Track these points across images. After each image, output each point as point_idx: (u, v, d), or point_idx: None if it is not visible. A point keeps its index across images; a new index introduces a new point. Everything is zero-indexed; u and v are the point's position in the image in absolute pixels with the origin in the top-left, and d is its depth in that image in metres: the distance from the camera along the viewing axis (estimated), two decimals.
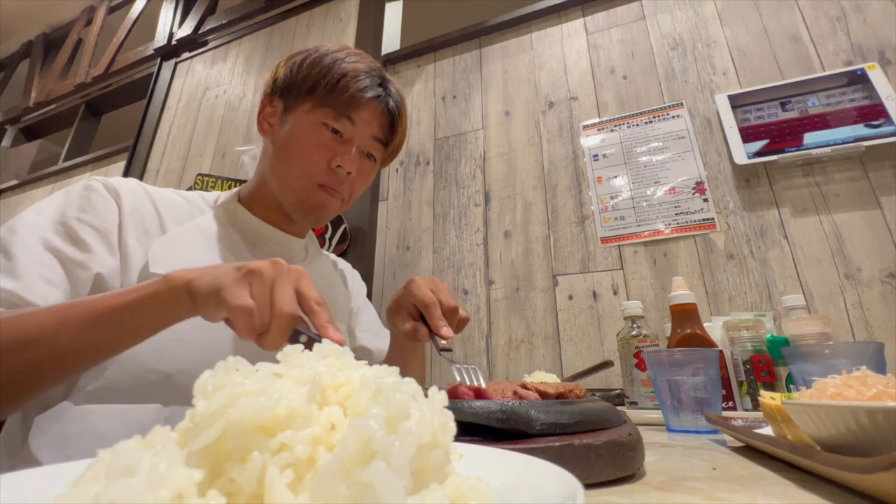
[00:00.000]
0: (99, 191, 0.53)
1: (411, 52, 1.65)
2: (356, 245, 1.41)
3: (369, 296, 1.35)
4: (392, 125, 0.65)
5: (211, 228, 0.59)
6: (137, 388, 0.47)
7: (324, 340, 0.35)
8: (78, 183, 0.54)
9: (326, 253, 0.81)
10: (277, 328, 0.35)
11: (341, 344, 0.35)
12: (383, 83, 0.64)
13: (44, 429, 0.44)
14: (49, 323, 0.38)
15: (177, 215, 0.58)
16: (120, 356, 0.46)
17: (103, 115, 2.75)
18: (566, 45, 1.43)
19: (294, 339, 0.36)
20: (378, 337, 0.79)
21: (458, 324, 0.59)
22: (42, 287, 0.44)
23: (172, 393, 0.49)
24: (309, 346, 0.35)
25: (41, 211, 0.50)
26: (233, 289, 0.35)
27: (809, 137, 1.02)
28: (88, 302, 0.39)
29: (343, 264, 0.84)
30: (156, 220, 0.55)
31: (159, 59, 2.34)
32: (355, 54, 0.63)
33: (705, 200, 1.10)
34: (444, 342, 0.52)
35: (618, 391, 0.80)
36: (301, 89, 0.61)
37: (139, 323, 0.39)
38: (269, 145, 0.64)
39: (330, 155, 0.60)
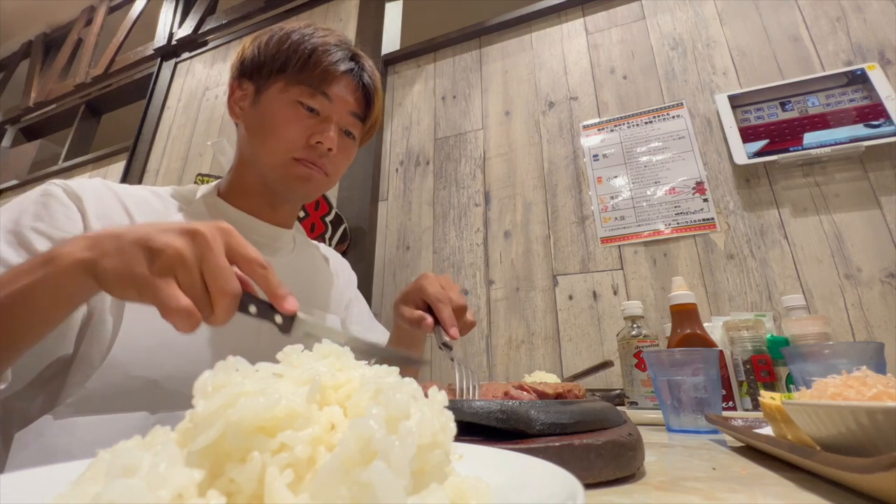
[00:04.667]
0: (58, 197, 0.48)
1: (411, 52, 1.65)
2: (356, 245, 1.41)
3: (369, 296, 1.36)
4: (368, 100, 0.63)
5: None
6: (122, 396, 0.45)
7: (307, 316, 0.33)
8: (36, 188, 0.49)
9: (315, 243, 0.79)
10: (222, 312, 0.32)
11: (294, 312, 0.33)
12: (355, 57, 0.62)
13: (24, 445, 0.42)
14: None
15: (149, 214, 0.54)
16: (102, 365, 0.44)
17: (103, 115, 2.75)
18: (566, 45, 1.43)
19: (244, 309, 0.33)
20: (369, 330, 0.77)
21: (464, 326, 0.59)
22: None
23: (160, 399, 0.47)
24: (262, 315, 0.33)
25: (1, 218, 0.45)
26: (159, 288, 0.30)
27: (809, 137, 1.02)
28: None
29: (333, 254, 0.82)
30: (126, 223, 0.51)
31: (159, 59, 2.34)
32: (323, 29, 0.61)
33: (705, 200, 1.10)
34: (446, 338, 0.53)
35: (618, 391, 0.80)
36: (271, 68, 0.58)
37: (36, 315, 0.34)
38: (244, 130, 0.61)
39: (308, 133, 0.57)
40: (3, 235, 0.44)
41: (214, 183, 0.64)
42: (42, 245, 0.44)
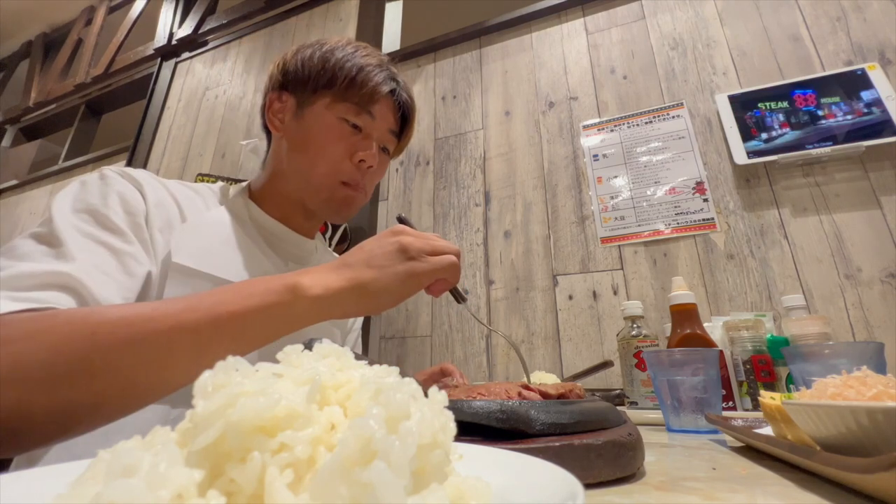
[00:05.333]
0: (118, 179, 0.49)
1: (411, 52, 1.65)
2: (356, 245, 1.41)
3: None
4: (405, 118, 0.67)
5: (229, 222, 0.58)
6: None
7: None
8: (93, 174, 0.49)
9: (334, 254, 0.81)
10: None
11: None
12: (395, 77, 0.65)
13: None
14: (160, 325, 0.33)
15: (192, 207, 0.56)
16: None
17: (103, 115, 2.75)
18: (566, 45, 1.43)
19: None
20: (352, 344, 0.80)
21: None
22: (98, 276, 0.39)
23: (181, 394, 0.47)
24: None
25: (66, 201, 0.45)
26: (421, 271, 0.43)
27: (809, 137, 1.02)
28: (202, 304, 0.35)
29: None
30: (177, 212, 0.53)
31: (159, 59, 2.34)
32: (364, 48, 0.64)
33: (705, 200, 1.10)
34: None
35: (618, 391, 0.80)
36: (317, 84, 0.60)
37: (263, 332, 0.37)
38: (284, 142, 0.63)
39: (352, 150, 0.60)
40: (75, 216, 0.43)
41: (244, 184, 0.66)
42: (121, 220, 0.45)
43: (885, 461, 0.20)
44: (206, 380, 0.16)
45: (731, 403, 0.76)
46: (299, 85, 0.62)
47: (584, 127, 1.30)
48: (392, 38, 1.76)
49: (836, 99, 1.03)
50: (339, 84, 0.59)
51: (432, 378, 0.76)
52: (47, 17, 3.08)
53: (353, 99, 0.60)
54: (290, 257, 0.64)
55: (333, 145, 0.59)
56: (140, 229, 0.47)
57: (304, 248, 0.66)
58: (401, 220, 0.56)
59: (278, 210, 0.63)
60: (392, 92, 0.63)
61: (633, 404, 0.74)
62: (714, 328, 0.84)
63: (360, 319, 0.83)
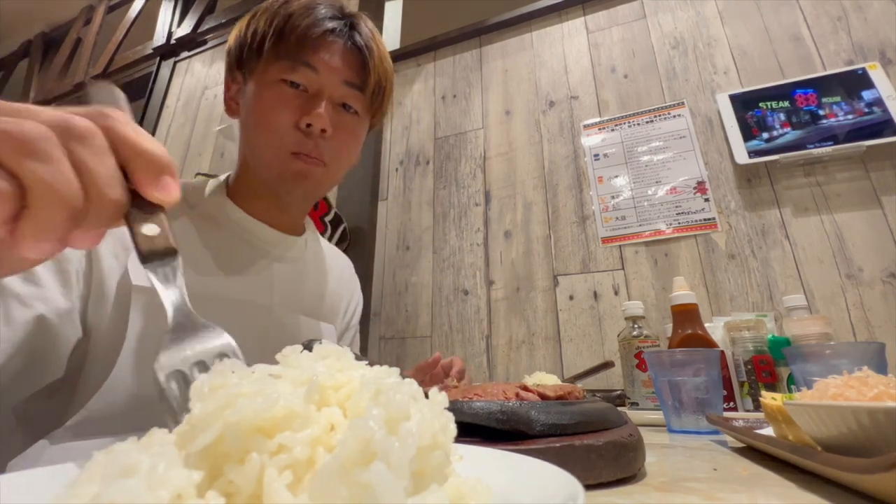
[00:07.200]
0: None
1: (411, 52, 1.65)
2: (356, 245, 1.41)
3: (369, 296, 1.36)
4: (364, 64, 0.54)
5: (199, 230, 0.52)
6: (123, 418, 0.42)
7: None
8: None
9: (335, 248, 0.75)
10: (97, 219, 0.21)
11: (167, 203, 0.23)
12: (343, 16, 0.54)
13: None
14: None
15: None
16: (103, 385, 0.41)
17: None
18: (567, 44, 1.42)
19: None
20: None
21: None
22: None
23: (161, 421, 0.45)
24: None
25: None
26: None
27: (811, 137, 1.02)
28: None
29: (350, 272, 0.77)
30: None
31: (158, 59, 2.34)
32: None
33: (706, 200, 1.10)
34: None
35: (619, 392, 0.80)
36: (251, 50, 0.52)
37: None
38: (240, 125, 0.56)
39: (296, 115, 0.50)
40: None
41: (223, 177, 0.59)
42: (44, 270, 0.40)
43: (885, 461, 0.20)
44: (203, 382, 0.16)
45: (732, 404, 0.75)
46: (240, 58, 0.54)
47: (585, 126, 1.30)
48: (392, 37, 1.76)
49: (837, 98, 1.03)
50: (269, 40, 0.50)
51: (443, 369, 0.71)
52: (46, 17, 3.08)
53: (285, 52, 0.50)
54: (273, 258, 0.57)
55: (274, 112, 0.50)
56: (62, 267, 0.41)
57: (291, 248, 0.59)
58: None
59: (253, 204, 0.56)
60: (334, 31, 0.51)
61: (634, 405, 0.74)
62: (715, 328, 0.84)
63: (358, 315, 0.77)
